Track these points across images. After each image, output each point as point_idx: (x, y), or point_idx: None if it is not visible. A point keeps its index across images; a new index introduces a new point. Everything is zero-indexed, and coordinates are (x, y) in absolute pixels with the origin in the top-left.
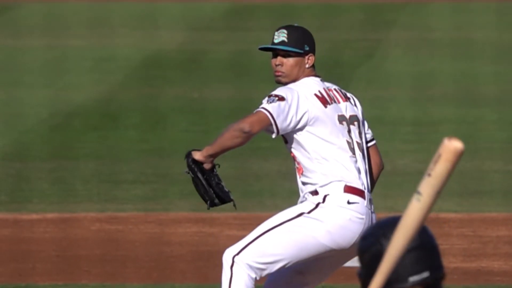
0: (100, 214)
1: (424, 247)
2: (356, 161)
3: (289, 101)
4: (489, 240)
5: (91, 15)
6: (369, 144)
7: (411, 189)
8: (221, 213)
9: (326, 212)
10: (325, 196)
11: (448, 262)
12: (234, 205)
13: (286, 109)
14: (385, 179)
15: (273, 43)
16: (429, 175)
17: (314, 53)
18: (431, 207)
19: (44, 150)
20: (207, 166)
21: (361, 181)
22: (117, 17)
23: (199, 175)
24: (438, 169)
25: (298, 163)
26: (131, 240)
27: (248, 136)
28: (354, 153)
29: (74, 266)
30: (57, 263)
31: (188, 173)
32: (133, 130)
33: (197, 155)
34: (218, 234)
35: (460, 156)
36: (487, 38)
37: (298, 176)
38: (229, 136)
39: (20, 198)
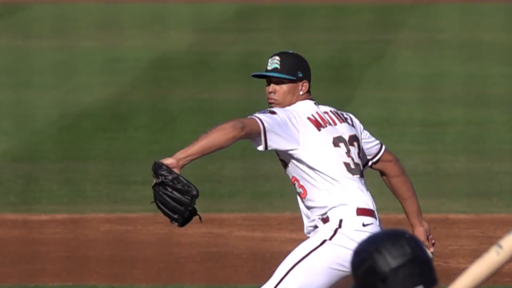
0: (109, 215)
1: (416, 261)
2: (356, 182)
3: (281, 117)
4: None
5: (100, 16)
6: (378, 156)
7: (420, 190)
8: (231, 214)
9: (347, 237)
10: (340, 221)
11: (457, 263)
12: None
13: (277, 123)
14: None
15: (267, 70)
16: None
17: (308, 79)
18: (507, 263)
19: (54, 151)
20: (177, 170)
21: (368, 201)
22: (126, 18)
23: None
24: None
25: (301, 187)
26: (140, 241)
27: (237, 135)
28: (353, 174)
29: (83, 267)
30: (66, 264)
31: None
32: (143, 131)
33: (168, 160)
34: (228, 235)
35: None
36: (496, 39)
37: (300, 201)
38: (219, 133)
39: (30, 199)
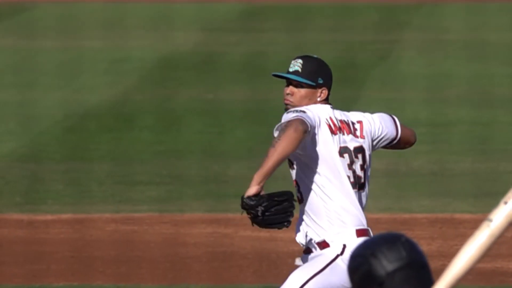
0: (115, 215)
1: (413, 265)
2: (354, 197)
3: (308, 113)
4: (504, 241)
5: (106, 16)
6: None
7: (426, 190)
8: (236, 214)
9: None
10: (343, 247)
11: None
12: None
13: (312, 123)
14: (399, 180)
15: (288, 72)
16: (505, 203)
17: (328, 87)
18: (500, 235)
19: (59, 151)
20: (262, 192)
21: (363, 219)
22: (132, 18)
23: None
24: None
25: (300, 193)
26: (146, 241)
27: (301, 138)
28: (352, 188)
29: (89, 267)
30: (72, 264)
31: (254, 213)
32: (148, 132)
33: (251, 190)
34: (233, 235)
35: None
36: (502, 39)
37: (300, 203)
38: (283, 143)
39: (35, 199)
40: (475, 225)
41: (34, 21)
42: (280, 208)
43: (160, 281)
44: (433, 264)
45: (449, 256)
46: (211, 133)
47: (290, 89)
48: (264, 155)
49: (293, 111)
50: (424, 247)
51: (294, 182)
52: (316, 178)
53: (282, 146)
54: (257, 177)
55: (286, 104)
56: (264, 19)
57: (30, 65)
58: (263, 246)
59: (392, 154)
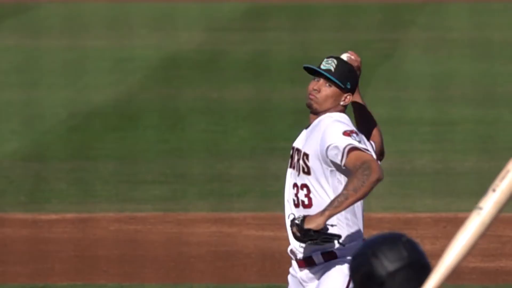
0: (118, 214)
1: (413, 265)
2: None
3: (362, 137)
4: (508, 240)
5: (110, 16)
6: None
7: (430, 189)
8: (240, 213)
9: None
10: None
11: (467, 262)
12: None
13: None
14: (403, 179)
15: (319, 68)
16: (494, 190)
17: (352, 94)
18: (490, 223)
19: (63, 150)
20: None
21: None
22: (136, 18)
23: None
24: (504, 184)
25: (309, 198)
26: (149, 240)
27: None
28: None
29: (93, 266)
30: (75, 263)
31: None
32: (152, 131)
33: (317, 223)
34: (237, 234)
35: None
36: (506, 38)
37: (293, 207)
38: (366, 190)
39: (39, 199)
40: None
41: (38, 21)
42: (323, 241)
43: (164, 280)
44: (436, 263)
45: None
46: (215, 132)
47: (318, 85)
48: (345, 190)
49: (354, 137)
50: (428, 246)
51: (301, 186)
52: (339, 188)
53: (363, 193)
54: (329, 213)
55: (311, 100)
56: (268, 18)
57: (35, 64)
58: (266, 245)
59: (396, 153)
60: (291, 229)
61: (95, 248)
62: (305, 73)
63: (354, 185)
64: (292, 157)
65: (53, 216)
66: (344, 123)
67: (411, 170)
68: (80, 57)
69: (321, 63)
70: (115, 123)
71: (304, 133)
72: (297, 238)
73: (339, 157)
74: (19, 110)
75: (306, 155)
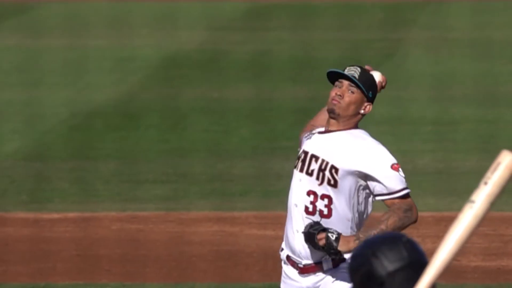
0: (120, 213)
1: (414, 265)
2: None
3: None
4: (509, 239)
5: (111, 15)
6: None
7: (431, 188)
8: (242, 212)
9: None
10: None
11: (469, 261)
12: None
13: None
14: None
15: (338, 72)
16: (486, 183)
17: (372, 105)
18: (483, 216)
19: (65, 150)
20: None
21: None
22: (137, 17)
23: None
24: (496, 177)
25: (329, 208)
26: (151, 239)
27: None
28: None
29: (95, 265)
30: (77, 262)
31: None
32: (154, 130)
33: (347, 246)
34: (239, 233)
35: None
36: (507, 38)
37: (305, 216)
38: (400, 229)
39: (41, 198)
40: (481, 223)
41: (39, 20)
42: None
43: (166, 279)
44: None
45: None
46: (217, 132)
47: (343, 90)
48: (384, 225)
49: (401, 172)
50: (430, 245)
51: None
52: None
53: (394, 229)
54: (358, 237)
55: (334, 104)
56: (269, 17)
57: (36, 64)
58: (268, 245)
59: (397, 153)
60: (316, 236)
61: (97, 247)
62: (307, 72)
63: (395, 223)
64: (303, 161)
65: (55, 216)
66: (386, 149)
67: (412, 170)
68: (81, 57)
69: (343, 70)
70: (116, 122)
71: (319, 138)
72: (315, 246)
73: (387, 195)
74: (20, 110)
75: (334, 169)
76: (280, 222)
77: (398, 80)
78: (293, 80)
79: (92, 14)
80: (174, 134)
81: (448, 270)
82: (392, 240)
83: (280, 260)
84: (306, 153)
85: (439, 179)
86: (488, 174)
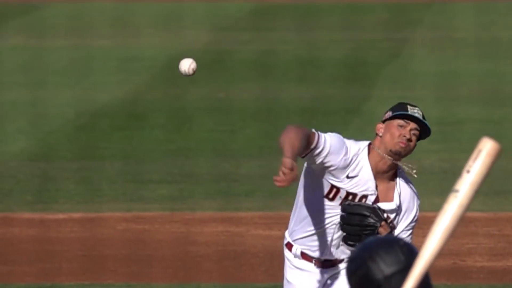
0: (126, 213)
1: (410, 269)
2: None
3: None
4: None
5: (116, 15)
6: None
7: (437, 188)
8: (248, 212)
9: None
10: None
11: (474, 261)
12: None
13: None
14: (410, 178)
15: (414, 115)
16: (468, 171)
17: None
18: (468, 204)
19: (70, 150)
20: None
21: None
22: (142, 17)
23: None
24: (478, 164)
25: None
26: (157, 239)
27: None
28: None
29: (100, 265)
30: (83, 262)
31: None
32: (159, 130)
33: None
34: (244, 234)
35: (499, 154)
36: None
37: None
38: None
39: (46, 198)
40: (486, 223)
41: (44, 20)
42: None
43: (171, 280)
44: (444, 263)
45: (460, 254)
46: (222, 132)
47: (412, 134)
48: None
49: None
50: None
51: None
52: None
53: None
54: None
55: (402, 147)
56: (274, 17)
57: (41, 64)
58: (274, 245)
59: None
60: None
61: (102, 247)
62: (311, 72)
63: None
64: (346, 198)
65: (60, 216)
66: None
67: (418, 170)
68: (87, 57)
69: (407, 108)
70: (121, 122)
71: (374, 184)
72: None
73: (410, 236)
74: (25, 110)
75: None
76: (285, 222)
77: (403, 80)
78: (298, 80)
79: (97, 14)
80: (180, 134)
81: (454, 271)
82: (389, 243)
83: (283, 254)
84: (353, 194)
85: (444, 179)
86: (470, 162)
